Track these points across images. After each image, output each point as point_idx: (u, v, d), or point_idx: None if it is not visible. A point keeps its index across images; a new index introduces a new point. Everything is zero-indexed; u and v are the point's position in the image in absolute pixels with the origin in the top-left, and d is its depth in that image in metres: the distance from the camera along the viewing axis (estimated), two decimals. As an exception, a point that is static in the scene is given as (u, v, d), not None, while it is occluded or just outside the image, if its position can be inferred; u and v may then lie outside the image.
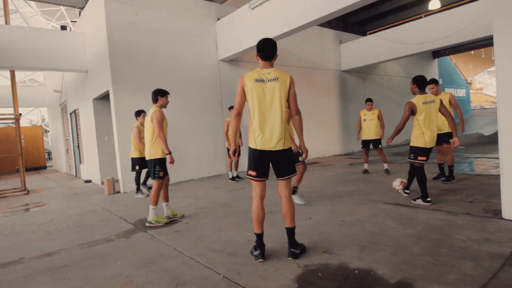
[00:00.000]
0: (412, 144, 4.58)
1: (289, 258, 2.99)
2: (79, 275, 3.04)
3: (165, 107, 4.70)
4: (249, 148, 3.05)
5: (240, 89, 2.99)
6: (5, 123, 9.88)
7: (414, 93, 4.58)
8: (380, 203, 4.77)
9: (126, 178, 7.54)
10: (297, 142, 3.72)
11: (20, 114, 8.80)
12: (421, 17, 11.03)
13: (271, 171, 3.06)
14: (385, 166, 7.27)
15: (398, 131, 4.52)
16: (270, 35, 7.04)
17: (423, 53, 12.15)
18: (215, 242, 3.65)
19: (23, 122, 25.63)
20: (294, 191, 5.00)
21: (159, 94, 4.63)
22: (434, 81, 5.73)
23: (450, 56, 19.40)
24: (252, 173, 3.00)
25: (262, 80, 2.94)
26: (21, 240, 4.37)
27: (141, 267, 3.12)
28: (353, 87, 13.07)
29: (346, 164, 9.54)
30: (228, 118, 7.76)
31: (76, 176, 11.98)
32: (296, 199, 4.99)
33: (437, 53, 17.43)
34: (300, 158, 4.60)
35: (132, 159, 6.88)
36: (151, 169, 4.62)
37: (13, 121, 8.88)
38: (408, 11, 14.78)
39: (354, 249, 3.13)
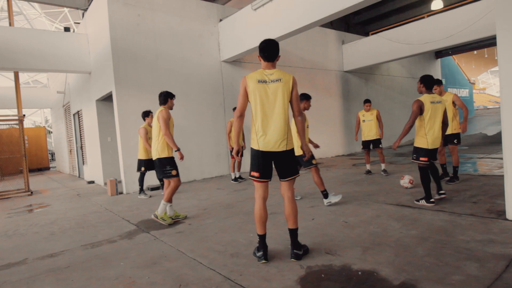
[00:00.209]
0: (415, 144, 4.57)
1: (292, 259, 2.98)
2: (82, 276, 3.05)
3: (171, 109, 4.76)
4: (252, 149, 3.04)
5: (242, 90, 2.99)
6: (8, 124, 9.95)
7: (421, 93, 4.56)
8: (383, 204, 4.75)
9: (129, 179, 7.56)
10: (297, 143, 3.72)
11: (24, 115, 8.85)
12: (423, 17, 10.99)
13: (274, 172, 3.06)
14: (383, 166, 7.29)
15: (407, 130, 4.39)
16: (272, 36, 7.04)
17: (425, 53, 12.11)
18: (218, 243, 3.65)
19: (27, 123, 25.77)
20: (325, 195, 4.91)
21: (169, 96, 4.71)
22: (437, 82, 5.70)
23: (453, 56, 19.32)
24: (255, 174, 3.00)
25: (265, 81, 2.94)
26: (24, 241, 4.39)
27: (144, 268, 3.12)
28: (355, 87, 13.05)
29: (349, 164, 9.52)
30: (232, 118, 7.76)
31: (79, 177, 12.03)
32: (332, 198, 4.88)
33: (439, 53, 17.37)
34: (305, 159, 4.58)
35: (139, 160, 6.86)
36: (160, 169, 4.63)
37: (16, 122, 8.94)
38: (410, 11, 14.75)
39: (357, 250, 3.12)
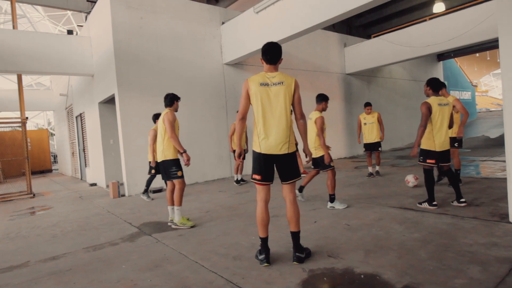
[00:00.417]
0: (422, 146, 4.55)
1: (294, 263, 2.97)
2: (84, 279, 3.05)
3: (177, 111, 4.77)
4: (254, 151, 3.04)
5: (244, 93, 2.99)
6: (11, 126, 10.00)
7: (428, 95, 4.57)
8: (386, 207, 4.74)
9: (131, 181, 7.57)
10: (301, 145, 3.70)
11: (27, 117, 8.88)
12: (425, 20, 11.01)
13: (276, 174, 3.06)
14: (377, 168, 7.50)
15: (422, 133, 4.38)
16: (274, 38, 7.06)
17: (427, 56, 12.09)
18: (220, 246, 3.64)
19: (30, 126, 25.85)
20: (332, 199, 4.91)
21: (175, 99, 4.72)
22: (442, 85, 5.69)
23: (455, 58, 19.30)
24: (257, 177, 3.00)
25: (267, 84, 2.94)
26: (26, 243, 4.40)
27: (146, 271, 3.12)
28: (357, 90, 13.05)
29: (351, 167, 9.50)
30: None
31: (81, 179, 12.05)
32: (337, 205, 4.88)
33: (442, 56, 17.36)
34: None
35: (150, 163, 6.75)
36: (166, 171, 4.63)
37: (19, 124, 8.98)
38: (412, 14, 14.75)
39: (360, 253, 3.11)
